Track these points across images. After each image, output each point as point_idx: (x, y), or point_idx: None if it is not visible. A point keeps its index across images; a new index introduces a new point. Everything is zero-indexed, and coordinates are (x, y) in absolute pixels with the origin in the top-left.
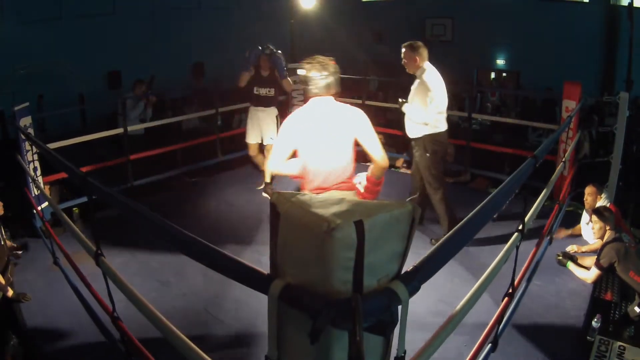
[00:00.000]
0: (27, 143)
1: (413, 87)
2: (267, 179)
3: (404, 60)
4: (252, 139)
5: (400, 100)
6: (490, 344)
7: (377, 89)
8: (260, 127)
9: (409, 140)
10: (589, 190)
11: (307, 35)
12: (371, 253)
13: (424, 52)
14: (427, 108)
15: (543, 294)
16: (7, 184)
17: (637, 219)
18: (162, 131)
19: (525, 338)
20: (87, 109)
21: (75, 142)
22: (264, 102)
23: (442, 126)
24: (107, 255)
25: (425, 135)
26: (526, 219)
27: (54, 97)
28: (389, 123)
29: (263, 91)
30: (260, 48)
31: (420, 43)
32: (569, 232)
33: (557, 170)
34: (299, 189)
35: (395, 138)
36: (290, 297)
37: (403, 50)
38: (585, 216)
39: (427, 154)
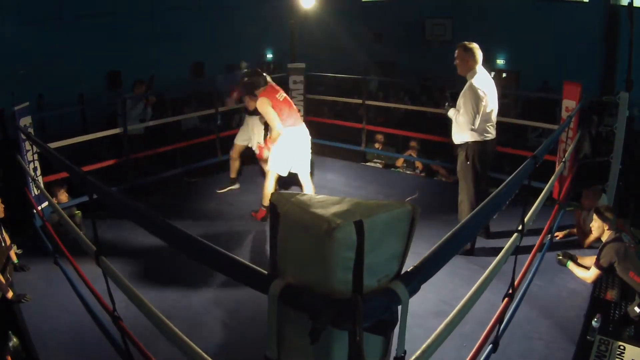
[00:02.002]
0: (27, 143)
1: (462, 91)
2: (233, 175)
3: (456, 61)
4: (239, 140)
5: (446, 104)
6: (490, 345)
7: (377, 89)
8: (252, 133)
9: (455, 146)
10: (587, 192)
11: (307, 35)
12: (371, 253)
13: (478, 54)
14: (475, 114)
15: (543, 294)
16: (7, 184)
17: (637, 219)
18: (161, 131)
19: (525, 338)
20: (87, 109)
21: (75, 142)
22: (255, 112)
23: (489, 134)
24: (107, 254)
25: (470, 142)
26: (526, 219)
27: (54, 97)
28: (389, 123)
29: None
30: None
31: (475, 44)
32: (567, 232)
33: (557, 170)
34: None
35: (395, 138)
36: (290, 297)
37: (456, 51)
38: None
39: (468, 162)
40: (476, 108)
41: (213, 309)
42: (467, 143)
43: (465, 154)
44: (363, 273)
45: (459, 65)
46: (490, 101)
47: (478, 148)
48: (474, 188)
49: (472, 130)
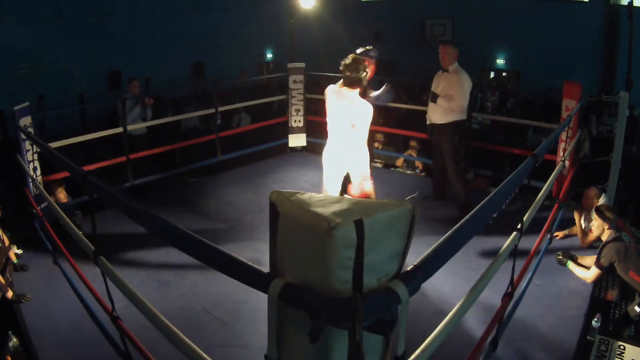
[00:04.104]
0: (27, 143)
1: (446, 80)
2: None
3: (444, 55)
4: None
5: (433, 93)
6: (490, 344)
7: (377, 88)
8: None
9: (432, 129)
10: (587, 193)
11: (307, 35)
12: (371, 252)
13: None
14: (465, 96)
15: (543, 293)
16: (7, 184)
17: (637, 219)
18: (161, 131)
19: (525, 338)
20: (87, 109)
21: (75, 141)
22: None
23: (466, 115)
24: (107, 254)
25: (455, 120)
26: (525, 217)
27: (54, 97)
28: (388, 122)
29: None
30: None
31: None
32: (567, 232)
33: (556, 169)
34: None
35: (395, 137)
36: (290, 296)
37: (445, 45)
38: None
39: (456, 137)
40: (466, 90)
41: (213, 309)
42: (454, 122)
43: (450, 131)
44: (363, 272)
45: (446, 58)
46: None
47: (461, 125)
48: (458, 164)
49: (461, 110)
